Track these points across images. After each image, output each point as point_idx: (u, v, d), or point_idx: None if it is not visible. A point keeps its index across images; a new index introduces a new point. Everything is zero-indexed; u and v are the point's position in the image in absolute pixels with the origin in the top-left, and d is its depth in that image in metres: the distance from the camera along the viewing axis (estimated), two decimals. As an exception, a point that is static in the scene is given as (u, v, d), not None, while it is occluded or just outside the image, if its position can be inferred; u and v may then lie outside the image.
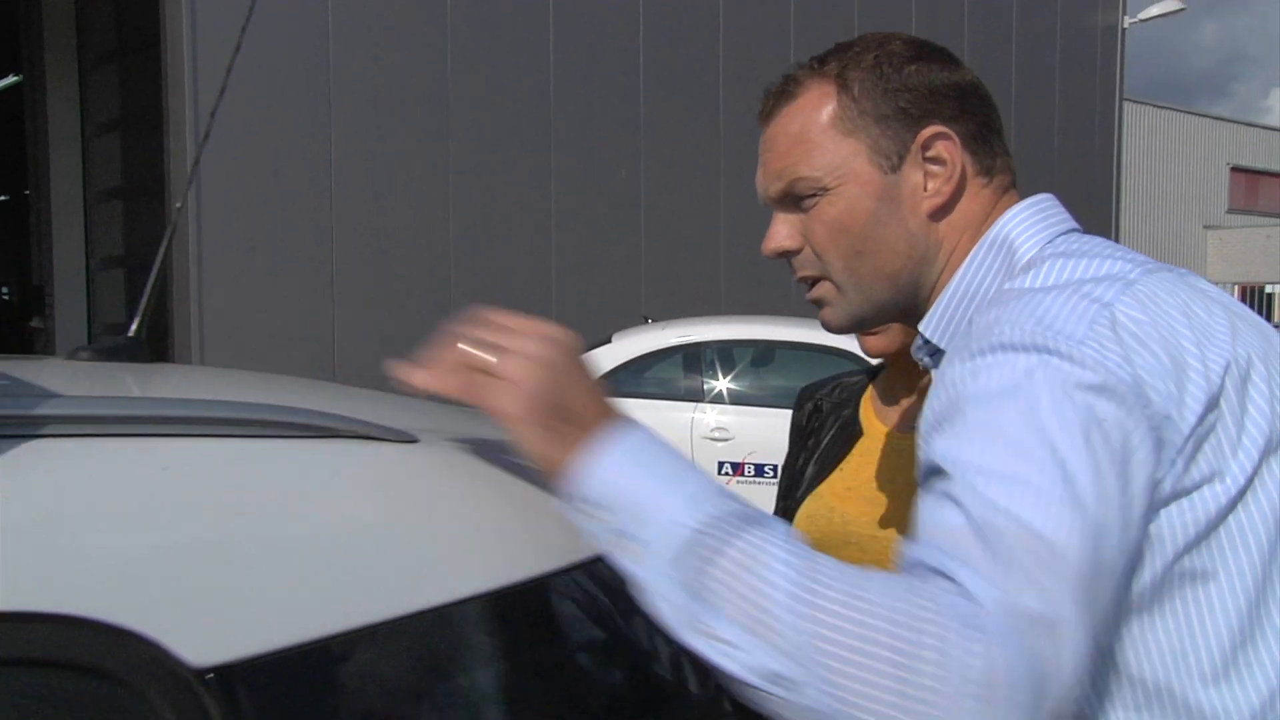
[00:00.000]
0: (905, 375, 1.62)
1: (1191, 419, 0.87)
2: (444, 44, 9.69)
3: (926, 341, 1.10)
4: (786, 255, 1.15)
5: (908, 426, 1.62)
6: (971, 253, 1.07)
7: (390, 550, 0.85)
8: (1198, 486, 0.88)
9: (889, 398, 1.67)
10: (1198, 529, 0.89)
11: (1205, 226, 28.81)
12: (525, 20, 10.18)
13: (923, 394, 1.62)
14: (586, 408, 0.87)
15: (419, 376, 0.89)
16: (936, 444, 0.87)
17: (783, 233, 1.13)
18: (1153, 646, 0.90)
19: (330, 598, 0.80)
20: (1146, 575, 0.88)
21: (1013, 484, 0.80)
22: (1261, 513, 0.90)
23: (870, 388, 1.72)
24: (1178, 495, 0.88)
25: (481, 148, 9.87)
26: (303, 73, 8.70)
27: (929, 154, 1.06)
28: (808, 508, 1.58)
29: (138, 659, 0.70)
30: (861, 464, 1.62)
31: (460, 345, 0.88)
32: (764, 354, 7.44)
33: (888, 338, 1.56)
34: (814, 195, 1.08)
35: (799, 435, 1.79)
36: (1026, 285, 0.97)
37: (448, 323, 0.90)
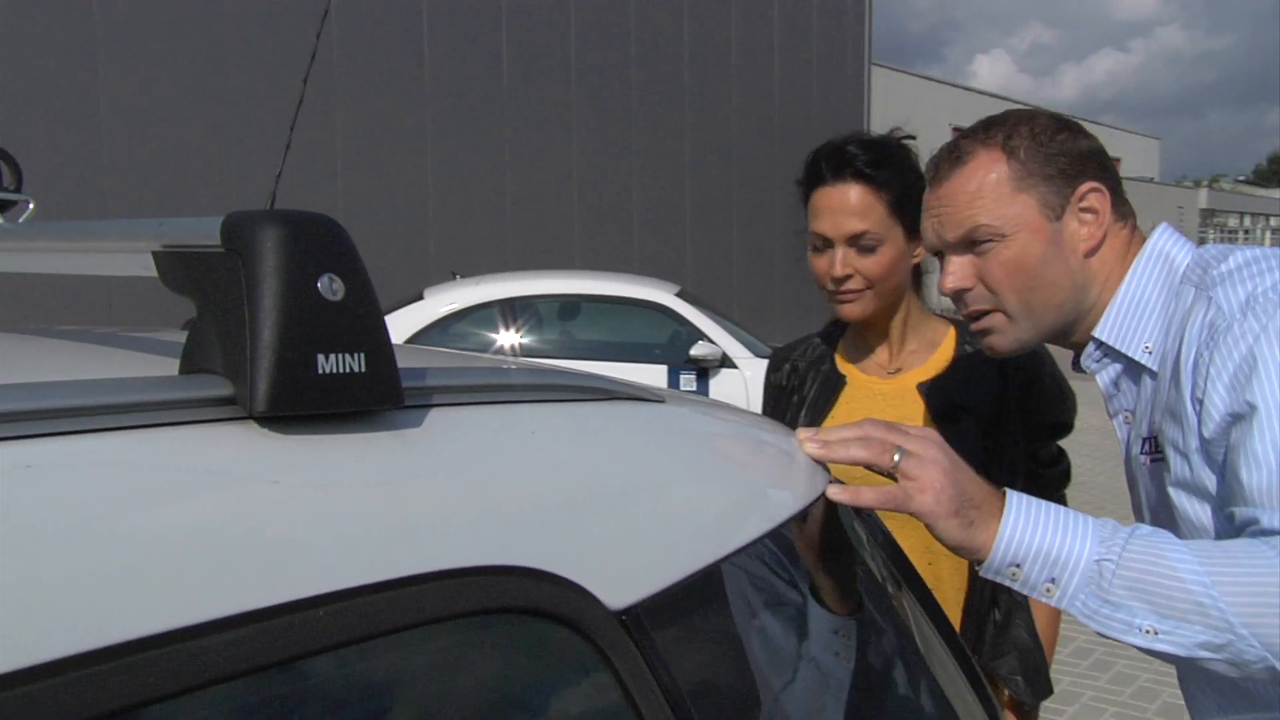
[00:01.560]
0: (872, 331, 1.87)
1: None
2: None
3: (1100, 345, 1.31)
4: (962, 293, 1.34)
5: (883, 372, 1.87)
6: (1132, 267, 1.29)
7: (711, 490, 0.95)
8: None
9: (859, 351, 1.91)
10: None
11: (931, 183, 31.10)
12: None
13: (893, 343, 1.87)
14: (979, 492, 1.09)
15: (814, 449, 1.12)
16: (1241, 397, 1.09)
17: (960, 273, 1.33)
18: None
19: (686, 536, 0.89)
20: None
21: None
22: None
23: (840, 344, 1.95)
24: None
25: (261, 97, 9.42)
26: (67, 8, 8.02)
27: (1083, 205, 1.29)
28: None
29: (578, 605, 0.77)
30: (850, 409, 1.84)
31: (862, 444, 1.10)
32: (570, 308, 7.58)
33: (862, 305, 1.78)
34: (990, 241, 1.29)
35: (780, 393, 1.99)
36: (1224, 270, 1.20)
37: None
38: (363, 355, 0.73)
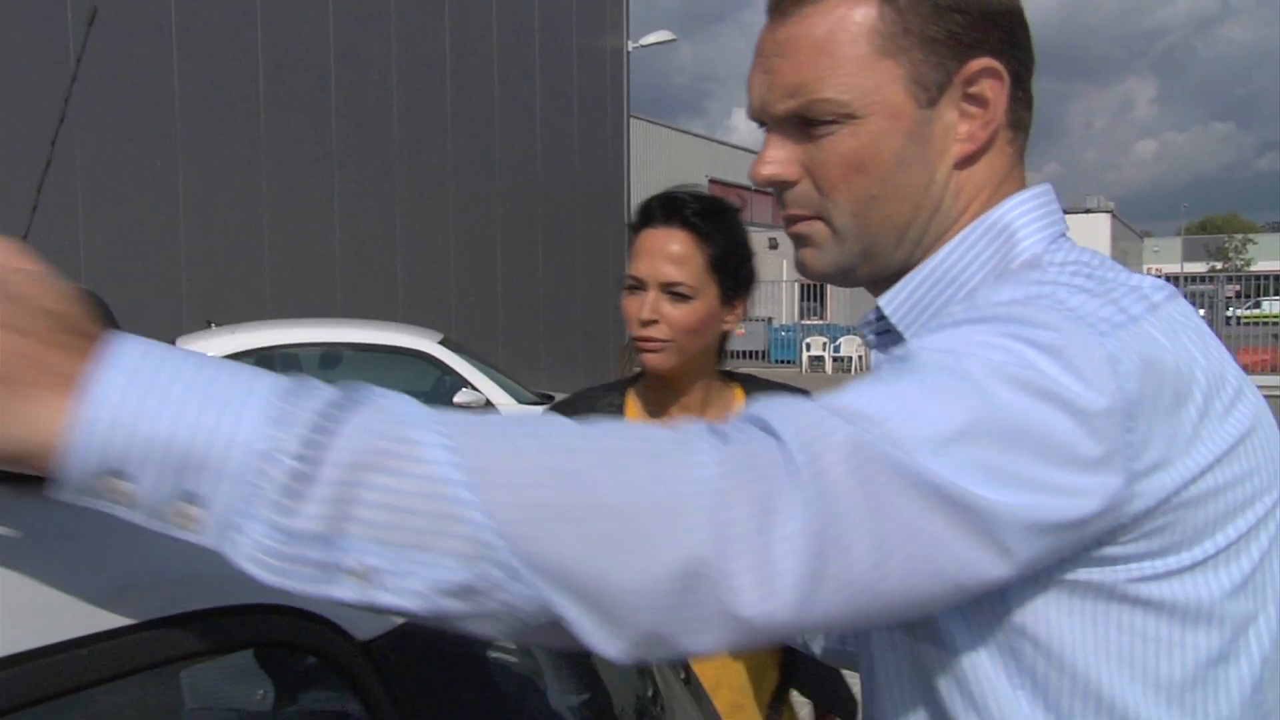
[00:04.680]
0: (670, 391, 1.84)
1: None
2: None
3: (880, 319, 0.97)
4: (780, 186, 0.96)
5: None
6: (963, 234, 0.93)
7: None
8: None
9: (655, 411, 1.87)
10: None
11: (691, 231, 32.35)
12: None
13: (692, 408, 1.84)
14: (46, 336, 0.60)
15: None
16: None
17: (780, 159, 0.94)
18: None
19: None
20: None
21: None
22: None
23: (629, 401, 1.88)
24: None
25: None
26: None
27: (971, 90, 0.91)
28: None
29: (326, 637, 0.88)
30: None
31: None
32: (332, 357, 7.50)
33: (665, 357, 1.74)
34: (833, 122, 0.90)
35: None
36: (1044, 278, 0.85)
37: None
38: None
